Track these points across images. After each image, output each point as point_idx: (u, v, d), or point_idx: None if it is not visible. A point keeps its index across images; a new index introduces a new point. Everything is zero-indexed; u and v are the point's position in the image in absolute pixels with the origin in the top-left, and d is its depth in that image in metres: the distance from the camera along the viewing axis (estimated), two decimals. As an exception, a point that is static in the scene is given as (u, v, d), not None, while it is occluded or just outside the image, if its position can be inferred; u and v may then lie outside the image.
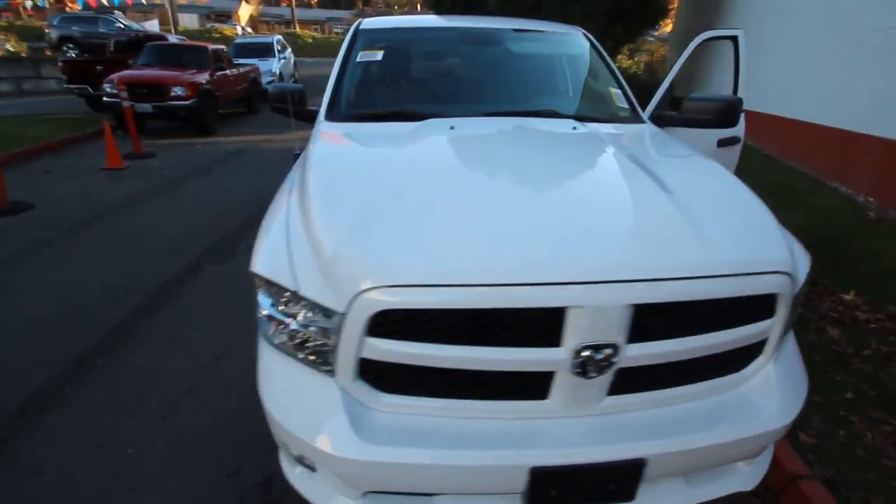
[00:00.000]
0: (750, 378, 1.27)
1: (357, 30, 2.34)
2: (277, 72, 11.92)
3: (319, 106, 2.13)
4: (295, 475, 1.30)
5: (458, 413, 1.15)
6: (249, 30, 30.60)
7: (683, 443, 1.14)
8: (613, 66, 2.36)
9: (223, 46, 10.04)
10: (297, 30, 33.56)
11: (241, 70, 9.72)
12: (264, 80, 11.10)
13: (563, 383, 1.10)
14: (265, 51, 12.28)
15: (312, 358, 1.19)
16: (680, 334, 1.10)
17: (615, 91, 2.24)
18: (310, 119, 2.20)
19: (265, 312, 1.27)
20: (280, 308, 1.22)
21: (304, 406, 1.19)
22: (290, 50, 14.15)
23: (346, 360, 1.12)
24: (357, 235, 1.16)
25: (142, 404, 2.10)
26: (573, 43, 2.43)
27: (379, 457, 1.08)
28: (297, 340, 1.20)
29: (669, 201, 1.28)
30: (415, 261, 1.05)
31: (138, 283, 3.17)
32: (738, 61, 2.75)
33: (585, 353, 1.02)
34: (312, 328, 1.15)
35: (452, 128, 1.78)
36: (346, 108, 2.01)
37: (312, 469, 1.25)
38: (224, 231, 4.11)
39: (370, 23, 2.39)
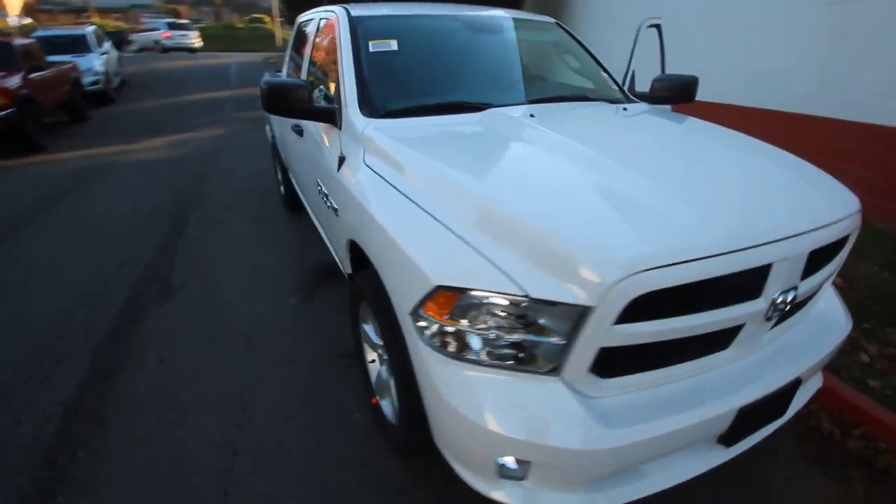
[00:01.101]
0: (820, 299, 1.60)
1: (353, 18, 2.15)
2: (102, 69, 9.91)
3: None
4: (501, 491, 1.24)
5: (665, 380, 1.24)
6: (29, 20, 24.60)
7: (816, 356, 1.40)
8: (592, 52, 2.59)
9: (33, 40, 7.99)
10: (97, 19, 28.03)
11: (60, 69, 7.87)
12: (86, 79, 9.17)
13: (748, 330, 1.26)
14: (79, 45, 10.07)
15: (525, 362, 1.15)
16: (815, 271, 1.34)
17: (604, 76, 2.47)
18: (322, 118, 1.99)
19: (451, 330, 1.18)
20: (483, 318, 1.14)
21: (530, 412, 1.15)
22: (110, 43, 11.83)
23: (582, 355, 1.12)
24: (576, 226, 1.15)
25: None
26: (555, 32, 2.60)
27: (625, 440, 1.12)
28: (504, 348, 1.15)
29: (772, 163, 1.51)
30: (655, 243, 1.09)
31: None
32: (662, 47, 3.21)
33: (780, 299, 1.20)
34: (534, 329, 1.12)
35: (532, 115, 1.80)
36: (383, 104, 1.86)
37: (520, 478, 1.22)
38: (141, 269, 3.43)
39: (361, 10, 2.22)
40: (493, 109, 1.87)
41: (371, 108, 1.84)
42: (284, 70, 3.37)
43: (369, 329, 1.92)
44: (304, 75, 2.67)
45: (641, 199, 1.24)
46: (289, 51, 3.33)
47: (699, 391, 1.25)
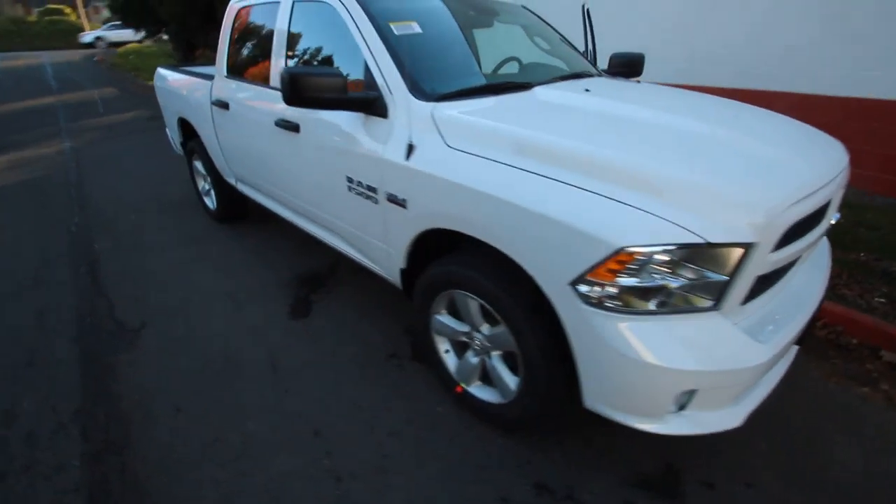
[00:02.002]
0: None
1: (362, 1, 2.00)
2: None
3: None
4: (667, 424, 1.38)
5: (770, 298, 1.49)
6: None
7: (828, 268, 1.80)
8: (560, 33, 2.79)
9: None
10: None
11: None
12: None
13: (810, 249, 1.58)
14: None
15: (692, 303, 1.29)
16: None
17: (578, 55, 2.70)
18: (359, 108, 1.85)
19: (625, 284, 1.26)
20: (656, 270, 1.25)
21: (703, 346, 1.30)
22: None
23: (742, 287, 1.29)
24: (725, 174, 1.31)
25: None
26: (530, 14, 2.73)
27: (773, 351, 1.35)
28: (674, 295, 1.28)
29: (781, 121, 1.84)
30: (792, 182, 1.32)
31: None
32: (592, 28, 3.57)
33: (833, 222, 1.53)
34: (704, 273, 1.26)
35: (588, 90, 1.89)
36: (432, 88, 1.79)
37: (683, 408, 1.38)
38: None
39: None
40: (543, 87, 1.95)
41: (421, 93, 1.77)
42: (222, 64, 2.95)
43: (445, 319, 1.89)
44: (277, 65, 2.40)
45: (750, 150, 1.47)
46: (226, 42, 2.92)
47: (794, 302, 1.54)
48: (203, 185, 4.00)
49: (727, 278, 1.27)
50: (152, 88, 4.40)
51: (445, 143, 1.61)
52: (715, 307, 1.31)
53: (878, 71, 3.73)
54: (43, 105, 9.40)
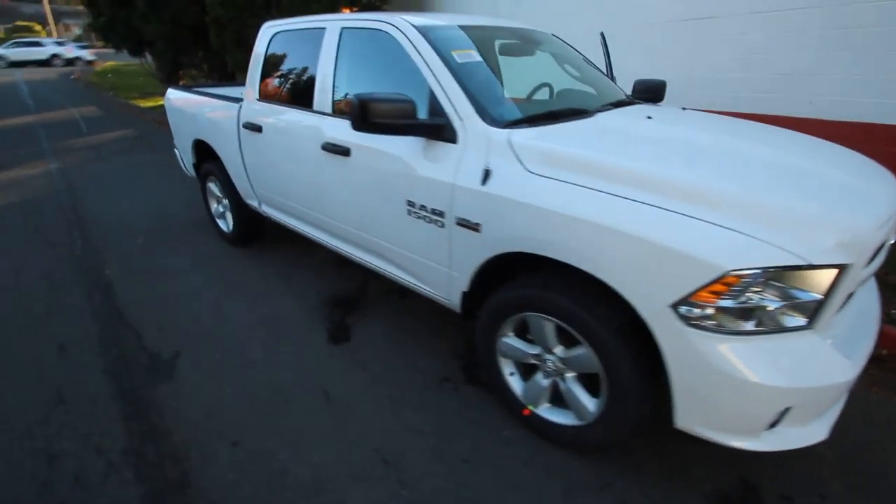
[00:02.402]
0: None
1: (421, 29, 2.04)
2: None
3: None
4: (761, 440, 1.42)
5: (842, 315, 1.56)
6: None
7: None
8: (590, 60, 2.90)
9: None
10: None
11: None
12: None
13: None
14: None
15: (787, 323, 1.35)
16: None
17: (611, 82, 2.80)
18: (428, 133, 1.88)
19: (726, 305, 1.31)
20: (755, 290, 1.30)
21: (801, 363, 1.35)
22: None
23: (833, 307, 1.35)
24: (816, 199, 1.38)
25: None
26: (563, 42, 2.82)
27: (859, 366, 1.42)
28: (774, 315, 1.33)
29: (835, 145, 1.94)
30: (875, 208, 1.40)
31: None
32: (609, 54, 3.72)
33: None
34: (802, 293, 1.31)
35: (650, 117, 1.97)
36: (500, 115, 1.83)
37: (774, 424, 1.42)
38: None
39: (422, 21, 2.11)
40: (604, 114, 2.02)
41: (490, 119, 1.81)
42: (254, 87, 2.93)
43: (513, 341, 1.90)
44: (324, 90, 2.41)
45: (826, 176, 1.55)
46: (259, 65, 2.90)
47: (861, 318, 1.62)
48: (217, 207, 3.92)
49: (822, 297, 1.33)
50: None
51: (526, 168, 1.64)
52: (808, 326, 1.37)
53: (862, 98, 4.00)
54: (23, 125, 9.03)
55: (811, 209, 1.36)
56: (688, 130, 1.90)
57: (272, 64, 2.84)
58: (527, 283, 1.75)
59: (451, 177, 1.82)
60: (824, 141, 1.98)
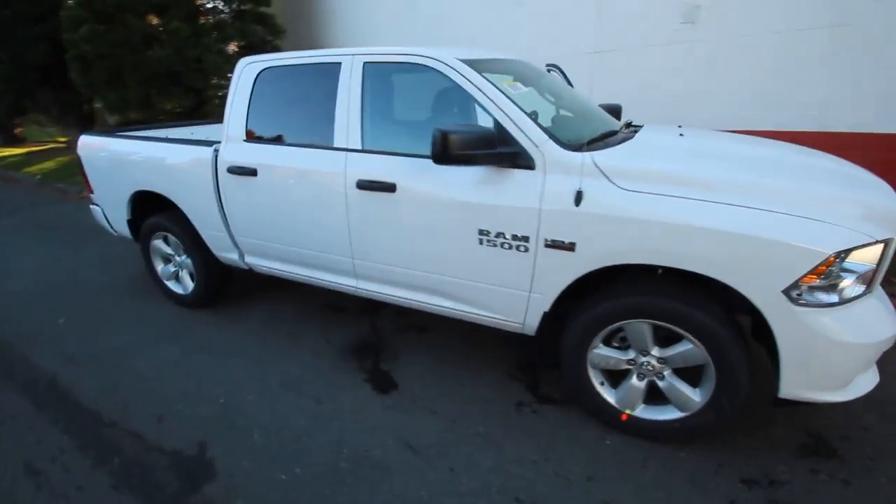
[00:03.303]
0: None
1: (470, 62, 2.06)
2: None
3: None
4: (851, 391, 1.70)
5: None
6: None
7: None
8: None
9: None
10: None
11: None
12: None
13: None
14: None
15: (855, 290, 1.64)
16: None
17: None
18: (506, 162, 1.90)
19: (822, 283, 1.56)
20: (842, 267, 1.57)
21: (880, 321, 1.66)
22: None
23: (881, 273, 1.69)
24: (868, 191, 1.71)
25: None
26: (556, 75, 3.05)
27: None
28: (855, 285, 1.62)
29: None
30: (887, 193, 1.78)
31: None
32: (570, 82, 4.06)
33: None
34: (865, 265, 1.61)
35: (682, 134, 2.21)
36: (568, 139, 1.93)
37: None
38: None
39: (465, 55, 2.13)
40: (643, 134, 2.23)
41: (563, 144, 1.90)
42: (238, 127, 2.62)
43: (605, 351, 1.98)
44: (350, 126, 2.27)
45: (850, 173, 1.94)
46: (243, 104, 2.60)
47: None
48: (166, 268, 3.36)
49: (875, 267, 1.66)
50: None
51: (619, 186, 1.76)
52: (867, 291, 1.69)
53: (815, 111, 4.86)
54: None
55: (857, 197, 1.71)
56: (721, 143, 2.22)
57: (262, 102, 2.58)
58: (631, 291, 1.86)
59: (537, 202, 1.87)
60: (805, 147, 2.46)
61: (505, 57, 2.70)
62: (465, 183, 2.01)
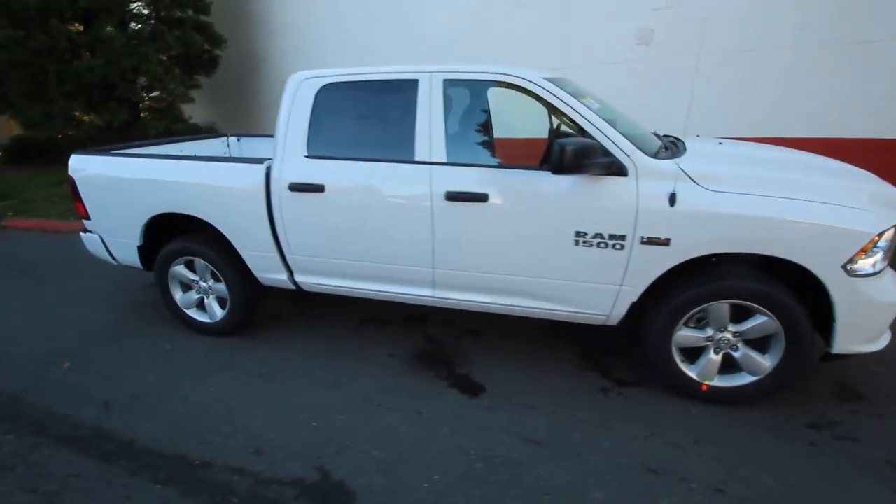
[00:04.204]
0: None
1: (553, 80, 2.25)
2: None
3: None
4: (879, 342, 2.14)
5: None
6: None
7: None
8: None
9: None
10: None
11: None
12: None
13: None
14: None
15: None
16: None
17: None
18: (606, 171, 2.12)
19: (866, 258, 1.99)
20: (878, 244, 2.00)
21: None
22: None
23: (892, 250, 2.16)
24: (876, 186, 2.18)
25: None
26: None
27: None
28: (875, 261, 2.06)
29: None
30: (888, 185, 2.26)
31: None
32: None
33: None
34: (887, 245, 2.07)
35: (721, 143, 2.56)
36: (644, 150, 2.20)
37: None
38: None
39: (545, 75, 2.32)
40: (692, 144, 2.55)
41: (646, 153, 2.17)
42: (300, 143, 2.55)
43: (688, 332, 2.28)
44: (433, 141, 2.35)
45: (858, 172, 2.41)
46: (304, 119, 2.53)
47: None
48: (187, 296, 3.11)
49: (891, 244, 2.13)
50: None
51: (704, 188, 2.07)
52: (885, 265, 2.15)
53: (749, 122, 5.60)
54: None
55: (863, 186, 2.18)
56: (756, 150, 2.66)
57: (326, 117, 2.54)
58: (721, 276, 2.16)
59: (633, 204, 2.11)
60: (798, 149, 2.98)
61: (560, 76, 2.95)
62: (561, 190, 2.20)
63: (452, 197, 2.33)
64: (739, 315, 2.22)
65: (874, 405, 2.32)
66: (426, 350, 2.92)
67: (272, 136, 4.49)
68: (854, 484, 1.88)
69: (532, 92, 2.28)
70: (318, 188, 2.52)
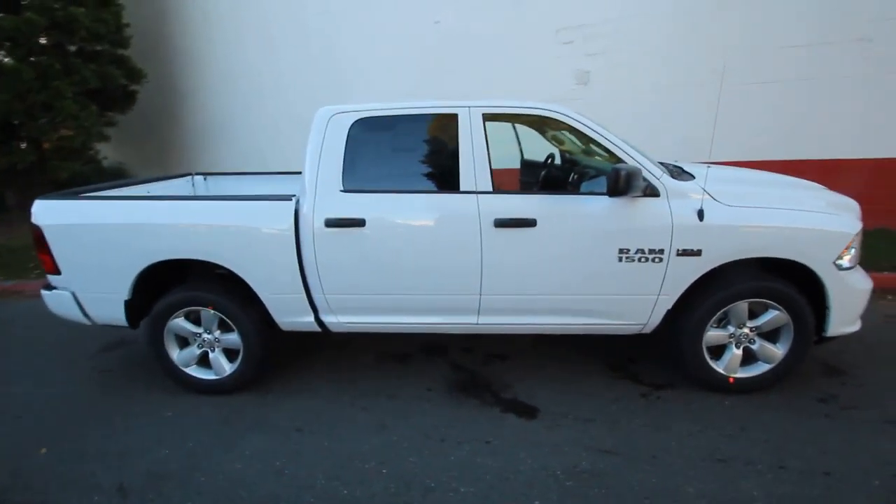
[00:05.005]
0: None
1: (581, 115, 2.46)
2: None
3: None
4: (856, 324, 2.60)
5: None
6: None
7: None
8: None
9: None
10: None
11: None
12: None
13: None
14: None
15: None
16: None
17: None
18: (643, 192, 2.36)
19: (846, 255, 2.44)
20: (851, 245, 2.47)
21: (865, 279, 2.58)
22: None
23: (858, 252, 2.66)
24: (842, 199, 2.66)
25: None
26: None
27: None
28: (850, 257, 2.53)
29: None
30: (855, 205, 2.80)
31: None
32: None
33: None
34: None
35: (709, 167, 2.93)
36: (668, 172, 2.49)
37: None
38: None
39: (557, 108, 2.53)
40: (693, 167, 2.90)
41: (669, 176, 2.46)
42: (335, 178, 2.47)
43: (714, 331, 2.56)
44: (478, 172, 2.43)
45: (802, 181, 2.91)
46: (339, 155, 2.45)
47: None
48: (188, 351, 2.76)
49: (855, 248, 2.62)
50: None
51: (724, 204, 2.38)
52: (854, 262, 2.64)
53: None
54: None
55: (819, 195, 2.69)
56: (740, 172, 3.12)
57: (361, 151, 2.50)
58: (746, 278, 2.47)
59: (668, 220, 2.37)
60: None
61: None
62: (604, 212, 2.40)
63: (501, 224, 2.41)
64: (753, 312, 2.55)
65: (854, 377, 2.77)
66: (460, 379, 2.90)
67: (242, 173, 4.32)
68: (873, 443, 2.23)
69: (568, 124, 2.48)
70: (359, 223, 2.45)
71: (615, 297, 2.51)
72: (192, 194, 3.92)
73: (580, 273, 2.48)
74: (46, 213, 2.63)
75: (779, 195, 2.55)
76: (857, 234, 2.44)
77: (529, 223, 2.41)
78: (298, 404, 2.69)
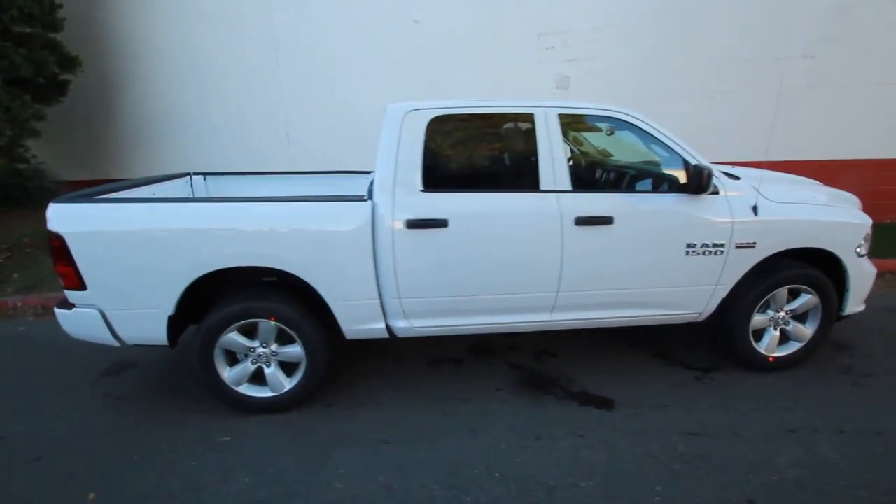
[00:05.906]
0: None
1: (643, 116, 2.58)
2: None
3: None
4: (863, 304, 2.99)
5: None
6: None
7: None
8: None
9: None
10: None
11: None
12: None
13: None
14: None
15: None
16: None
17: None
18: (711, 190, 2.53)
19: (861, 243, 2.81)
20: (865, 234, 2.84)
21: (871, 266, 2.99)
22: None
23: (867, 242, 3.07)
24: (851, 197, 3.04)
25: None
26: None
27: None
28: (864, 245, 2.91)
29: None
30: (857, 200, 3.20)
31: None
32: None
33: None
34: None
35: (733, 167, 3.18)
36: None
37: None
38: None
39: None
40: (730, 169, 3.14)
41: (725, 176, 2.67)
42: (414, 178, 2.34)
43: (759, 315, 2.81)
44: (556, 170, 2.45)
45: (806, 179, 3.28)
46: (417, 153, 2.34)
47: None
48: (241, 368, 2.49)
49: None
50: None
51: (771, 201, 2.63)
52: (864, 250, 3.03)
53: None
54: None
55: (827, 190, 3.07)
56: (764, 172, 3.37)
57: (440, 149, 2.42)
58: (792, 266, 2.73)
59: (729, 216, 2.56)
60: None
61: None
62: (674, 209, 2.55)
63: (582, 221, 2.47)
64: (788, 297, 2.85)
65: (859, 349, 3.19)
66: (523, 377, 2.92)
67: (242, 173, 3.97)
68: (901, 405, 2.60)
69: (634, 125, 2.60)
70: (441, 223, 2.38)
71: (679, 289, 2.68)
72: (192, 196, 3.55)
73: (651, 267, 2.61)
74: (68, 218, 2.25)
75: (801, 192, 2.87)
76: (871, 225, 2.83)
77: (607, 220, 2.50)
78: (371, 416, 2.55)
